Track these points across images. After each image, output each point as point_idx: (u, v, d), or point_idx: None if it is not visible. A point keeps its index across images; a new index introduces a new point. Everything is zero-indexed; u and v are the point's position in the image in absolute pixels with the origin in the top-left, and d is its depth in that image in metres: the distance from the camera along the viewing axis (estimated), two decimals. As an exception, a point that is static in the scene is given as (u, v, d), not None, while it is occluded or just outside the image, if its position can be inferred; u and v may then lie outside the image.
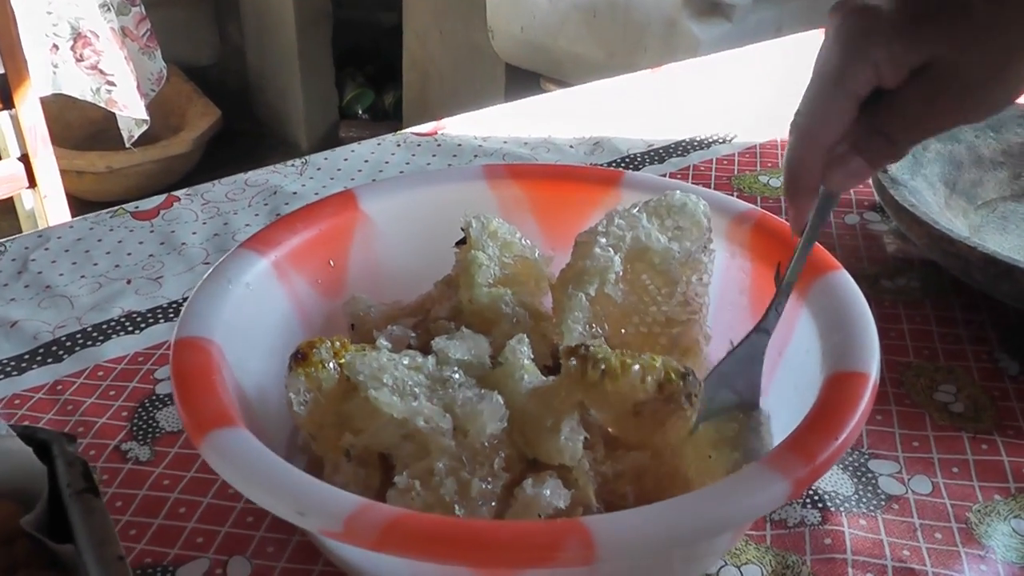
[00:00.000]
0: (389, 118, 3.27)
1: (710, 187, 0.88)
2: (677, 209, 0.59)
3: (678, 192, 0.59)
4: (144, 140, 2.33)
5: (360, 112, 3.32)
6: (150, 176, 2.77)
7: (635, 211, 0.59)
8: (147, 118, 2.10)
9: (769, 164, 0.93)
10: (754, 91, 1.08)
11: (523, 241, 0.61)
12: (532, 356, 0.53)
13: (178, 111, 2.96)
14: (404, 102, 2.88)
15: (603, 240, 0.57)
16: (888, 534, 0.55)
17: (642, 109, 1.04)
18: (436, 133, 0.99)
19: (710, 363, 0.58)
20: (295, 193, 0.89)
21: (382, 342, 0.56)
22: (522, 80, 2.34)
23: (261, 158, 3.17)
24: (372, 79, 3.32)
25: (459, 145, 0.97)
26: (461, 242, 0.60)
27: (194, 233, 0.84)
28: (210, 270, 0.56)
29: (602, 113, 1.03)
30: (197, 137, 2.84)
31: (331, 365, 0.52)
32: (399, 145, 0.97)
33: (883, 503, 0.57)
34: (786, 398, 0.52)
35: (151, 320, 0.74)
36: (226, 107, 2.98)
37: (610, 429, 0.52)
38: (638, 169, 0.92)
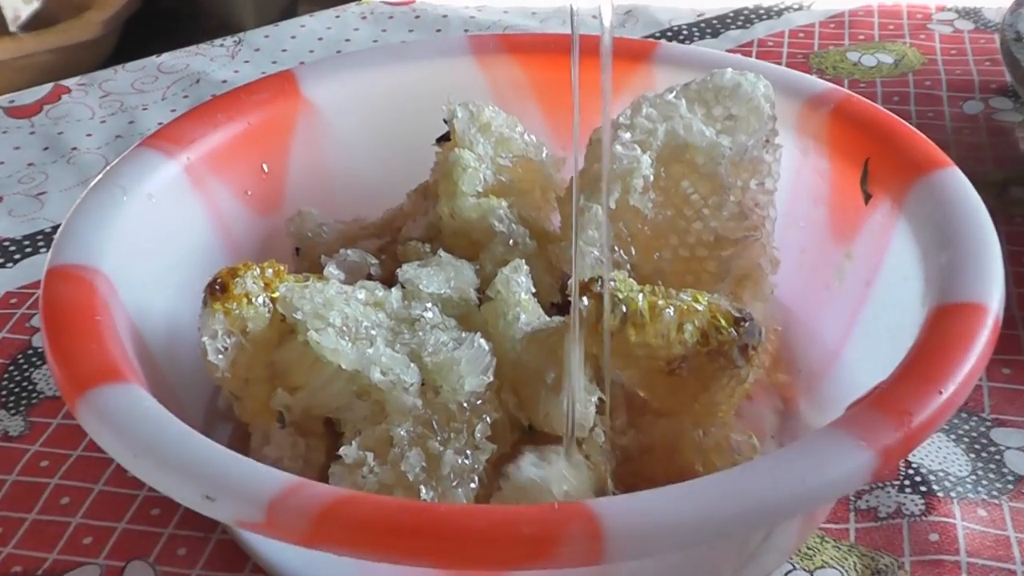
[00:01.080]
0: (363, -7, 3.27)
1: (781, 66, 0.86)
2: (728, 91, 0.58)
3: (729, 69, 0.58)
4: (37, 23, 2.31)
5: (325, -15, 3.32)
6: (45, 71, 2.75)
7: (671, 96, 0.58)
8: (38, -8, 2.09)
9: (862, 36, 0.92)
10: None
11: (525, 137, 0.60)
12: (533, 289, 0.52)
13: (83, -17, 2.95)
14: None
15: (627, 135, 0.56)
16: (1017, 528, 0.55)
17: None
18: (414, 1, 0.98)
19: (777, 297, 0.57)
20: (224, 82, 0.89)
21: (331, 270, 0.55)
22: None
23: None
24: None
25: (444, 17, 0.96)
26: (443, 138, 0.59)
27: (89, 135, 0.84)
28: (98, 176, 0.55)
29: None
30: (108, 18, 2.82)
31: (260, 300, 0.51)
32: (364, 17, 0.96)
33: (1011, 487, 0.57)
34: (877, 342, 0.51)
35: (28, 249, 0.73)
36: (147, -22, 2.97)
37: (636, 390, 0.51)
38: (683, 44, 0.90)
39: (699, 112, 0.58)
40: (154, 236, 0.55)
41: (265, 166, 0.61)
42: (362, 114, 0.63)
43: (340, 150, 0.63)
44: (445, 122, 0.59)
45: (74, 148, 0.82)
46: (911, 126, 0.56)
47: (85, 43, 2.79)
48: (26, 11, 2.13)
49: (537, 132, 0.61)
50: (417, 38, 0.93)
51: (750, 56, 0.88)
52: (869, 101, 0.59)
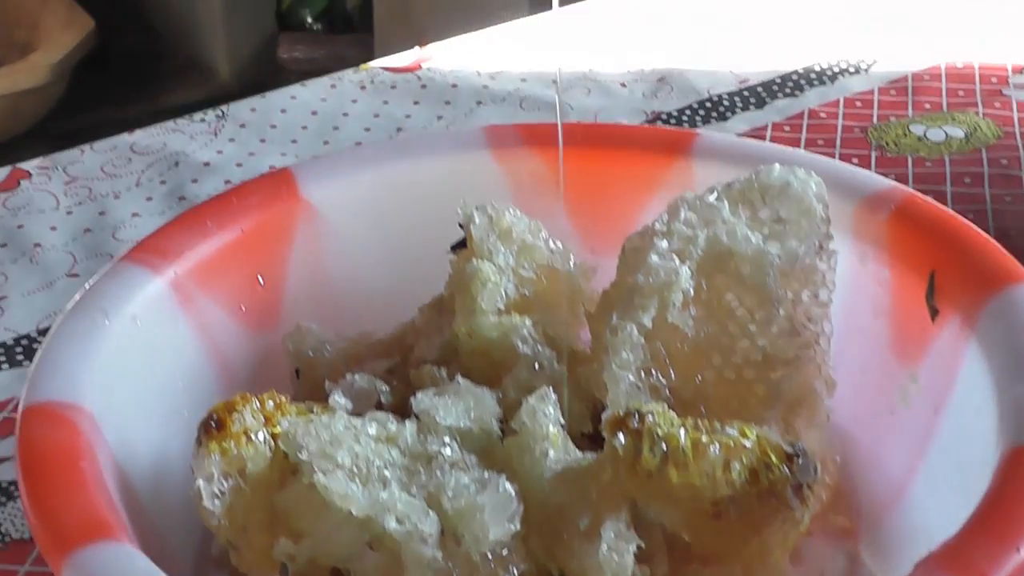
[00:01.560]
0: (353, 29, 3.28)
1: (835, 143, 0.89)
2: (776, 191, 0.60)
3: (777, 165, 0.60)
4: None
5: (309, 20, 3.34)
6: (-15, 122, 2.76)
7: (712, 198, 0.60)
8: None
9: (927, 105, 0.94)
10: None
11: (550, 243, 0.62)
12: (563, 421, 0.54)
13: (28, 21, 2.96)
14: (375, 2, 2.90)
15: (663, 244, 0.58)
16: None
17: (730, 20, 1.05)
18: (419, 67, 1.01)
19: (835, 421, 0.59)
20: (207, 164, 0.91)
21: (338, 399, 0.57)
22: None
23: (159, 94, 3.20)
24: (325, -34, 3.34)
25: (454, 86, 0.98)
26: (459, 245, 0.61)
27: (53, 228, 0.86)
28: (77, 296, 0.58)
29: (669, 28, 1.04)
30: (57, 62, 2.83)
31: (260, 436, 0.53)
32: (363, 87, 0.99)
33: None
34: (946, 480, 0.53)
35: (-10, 365, 0.75)
36: (103, 12, 2.98)
37: (679, 534, 0.53)
38: (724, 118, 0.93)
39: (744, 215, 0.59)
40: (139, 363, 0.57)
41: (261, 277, 0.63)
42: (368, 217, 0.65)
43: (344, 257, 0.65)
44: (461, 227, 0.61)
45: (37, 244, 0.85)
46: (983, 232, 0.58)
47: (30, 90, 2.81)
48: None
49: (562, 233, 0.63)
50: (424, 111, 0.95)
51: (799, 129, 0.91)
52: (935, 202, 0.61)
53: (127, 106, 3.13)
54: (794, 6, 1.07)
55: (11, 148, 2.88)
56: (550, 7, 1.09)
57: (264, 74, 3.26)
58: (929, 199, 0.61)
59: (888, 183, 0.62)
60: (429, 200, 0.65)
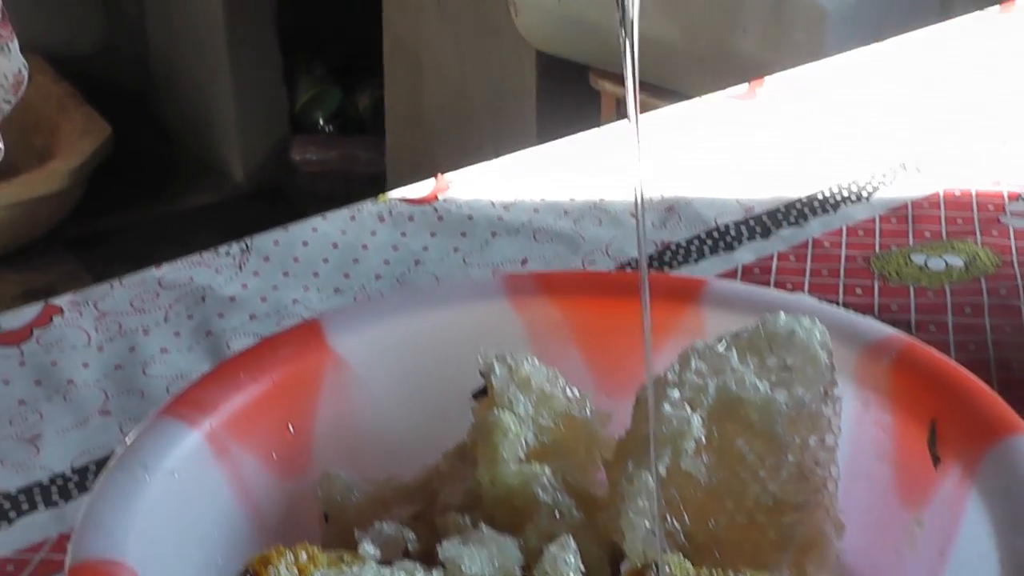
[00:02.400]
0: (365, 130, 3.32)
1: (839, 273, 0.91)
2: (782, 339, 0.62)
3: (782, 314, 0.63)
4: None
5: (322, 122, 3.38)
6: (3, 228, 2.79)
7: (721, 347, 0.62)
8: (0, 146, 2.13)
9: (928, 234, 0.96)
10: (904, 110, 1.12)
11: (568, 391, 0.64)
12: (582, 568, 0.56)
13: (46, 126, 2.99)
14: (387, 105, 2.93)
15: (675, 393, 0.60)
16: None
17: (734, 145, 1.08)
18: (436, 197, 1.04)
19: (844, 562, 0.61)
20: (232, 299, 0.94)
21: (367, 547, 0.59)
22: (562, 75, 2.40)
23: (173, 196, 3.23)
24: (339, 71, 3.37)
25: (470, 218, 1.01)
26: (480, 393, 0.64)
27: (85, 365, 0.88)
28: (118, 451, 0.60)
29: (677, 155, 1.07)
30: (75, 168, 2.86)
31: (295, 590, 0.55)
32: (382, 219, 1.02)
33: None
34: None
35: (25, 506, 0.77)
36: (119, 117, 3.01)
37: None
38: (732, 248, 0.95)
39: (752, 363, 0.62)
40: (177, 515, 0.59)
41: (291, 426, 0.65)
42: (392, 365, 0.67)
43: (370, 404, 0.67)
44: (481, 374, 0.64)
45: (70, 381, 0.87)
46: (981, 382, 0.60)
47: (48, 196, 2.84)
48: (-17, 167, 2.19)
49: (578, 380, 0.65)
50: (441, 242, 0.98)
51: (804, 259, 0.93)
52: (934, 350, 0.63)
53: (142, 208, 3.17)
54: (798, 130, 1.10)
55: (28, 253, 2.92)
56: (558, 136, 1.12)
57: (277, 176, 3.30)
58: (929, 348, 0.63)
59: (889, 331, 0.64)
60: (451, 348, 0.67)
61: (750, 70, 1.90)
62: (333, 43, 3.34)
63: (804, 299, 0.68)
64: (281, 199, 3.21)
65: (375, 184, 2.83)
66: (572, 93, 2.39)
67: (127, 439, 0.61)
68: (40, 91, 2.84)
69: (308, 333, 0.67)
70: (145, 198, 3.19)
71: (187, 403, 0.63)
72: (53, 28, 3.18)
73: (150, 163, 3.28)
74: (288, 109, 3.27)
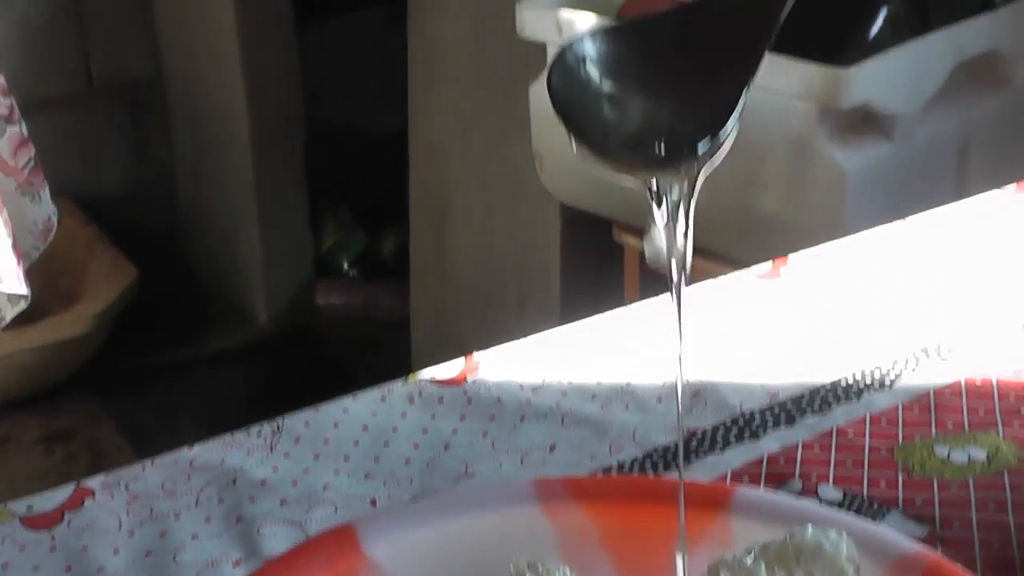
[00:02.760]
0: (390, 274, 3.35)
1: (863, 463, 0.92)
2: (809, 553, 0.64)
3: (810, 526, 0.64)
4: (20, 317, 2.34)
5: (346, 266, 3.41)
6: (27, 371, 2.80)
7: (749, 560, 0.63)
8: (27, 293, 2.13)
9: (950, 424, 0.97)
10: (926, 292, 1.13)
11: (597, 599, 0.65)
12: None
13: (73, 270, 3.01)
14: (412, 254, 2.95)
15: (707, 610, 0.62)
16: None
17: (759, 326, 1.10)
18: (465, 379, 1.05)
19: None
20: (263, 483, 0.94)
21: None
22: (586, 228, 2.42)
23: (198, 339, 3.25)
24: (363, 216, 3.41)
25: (498, 400, 1.02)
26: (512, 598, 0.65)
27: (116, 551, 0.89)
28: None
29: (702, 336, 1.08)
30: (101, 312, 2.88)
31: None
32: (412, 401, 1.03)
33: None
34: None
35: None
36: (145, 260, 3.04)
37: None
38: (757, 436, 0.96)
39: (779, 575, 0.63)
40: None
41: (326, 632, 0.67)
42: (425, 570, 0.69)
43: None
44: (512, 583, 0.65)
45: (100, 568, 0.87)
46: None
47: (73, 339, 2.86)
48: (11, 312, 2.20)
49: (609, 585, 0.67)
50: (470, 427, 0.99)
51: (828, 449, 0.94)
52: (960, 567, 0.64)
53: (167, 351, 3.19)
54: (822, 311, 1.12)
55: (51, 395, 2.93)
56: (581, 317, 1.14)
57: (302, 320, 3.32)
58: (956, 565, 0.64)
59: (916, 547, 0.66)
60: (483, 555, 0.68)
61: (771, 227, 1.93)
62: (359, 187, 3.38)
63: (832, 513, 0.69)
64: (305, 343, 3.24)
65: (399, 329, 2.86)
66: (595, 246, 2.41)
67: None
68: (68, 234, 2.86)
69: (343, 539, 0.69)
70: (170, 341, 3.21)
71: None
72: (82, 170, 3.22)
73: (174, 305, 3.31)
74: (313, 254, 3.30)
